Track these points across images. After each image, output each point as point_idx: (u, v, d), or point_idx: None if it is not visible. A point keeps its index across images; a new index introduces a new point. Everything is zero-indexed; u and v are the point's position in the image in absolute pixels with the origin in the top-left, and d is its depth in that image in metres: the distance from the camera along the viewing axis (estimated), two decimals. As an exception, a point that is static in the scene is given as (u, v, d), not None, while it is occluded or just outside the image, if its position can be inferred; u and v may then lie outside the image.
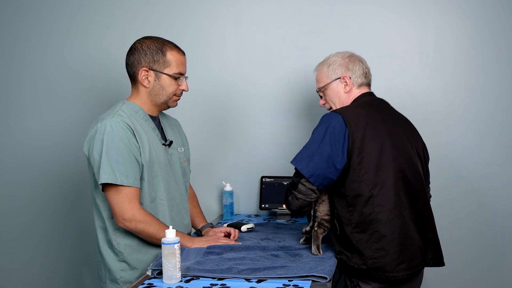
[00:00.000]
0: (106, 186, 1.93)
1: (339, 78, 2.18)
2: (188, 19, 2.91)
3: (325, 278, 1.73)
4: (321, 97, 2.28)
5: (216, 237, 2.12)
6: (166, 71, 2.05)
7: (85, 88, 2.99)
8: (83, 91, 3.00)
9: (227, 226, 2.41)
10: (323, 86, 2.22)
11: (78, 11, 2.97)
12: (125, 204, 1.91)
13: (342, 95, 2.19)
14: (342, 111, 2.04)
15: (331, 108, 2.23)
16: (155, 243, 1.98)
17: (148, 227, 1.94)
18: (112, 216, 1.99)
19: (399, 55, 2.79)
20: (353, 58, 2.21)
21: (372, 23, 2.78)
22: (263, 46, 2.87)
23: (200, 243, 2.03)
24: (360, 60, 2.22)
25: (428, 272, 2.75)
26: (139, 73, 2.05)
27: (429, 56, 2.78)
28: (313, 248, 2.00)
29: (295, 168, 2.01)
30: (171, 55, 2.05)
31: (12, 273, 3.08)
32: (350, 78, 2.17)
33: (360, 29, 2.78)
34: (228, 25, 2.90)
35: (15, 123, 3.05)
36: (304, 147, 2.03)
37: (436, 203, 2.67)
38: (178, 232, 1.85)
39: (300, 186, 1.99)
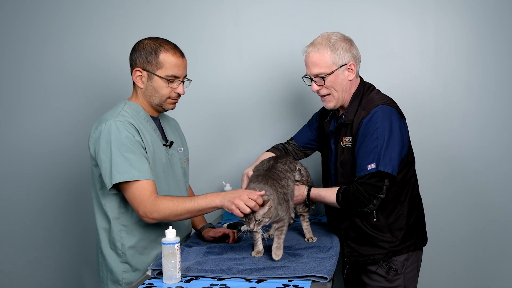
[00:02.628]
0: (120, 185, 1.91)
1: (345, 64, 2.12)
2: (188, 19, 2.91)
3: (325, 278, 1.73)
4: (312, 81, 2.14)
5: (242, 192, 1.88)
6: (158, 72, 2.02)
7: (85, 88, 2.99)
8: (83, 91, 2.99)
9: (227, 226, 2.41)
10: (329, 73, 2.10)
11: (78, 12, 2.97)
12: (136, 199, 1.88)
13: (346, 83, 2.14)
14: (389, 103, 2.11)
15: (329, 94, 2.15)
16: (189, 217, 1.95)
17: (163, 211, 1.87)
18: (118, 216, 1.99)
19: (399, 55, 2.79)
20: (353, 43, 2.17)
21: (372, 23, 2.78)
22: (263, 46, 2.87)
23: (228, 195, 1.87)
24: (355, 44, 2.20)
25: (427, 271, 2.75)
26: (133, 73, 2.04)
27: (429, 56, 2.78)
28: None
29: (373, 172, 2.01)
30: (165, 57, 2.01)
31: (13, 273, 3.08)
32: (355, 65, 2.14)
33: (360, 29, 2.78)
34: (228, 26, 2.90)
35: (15, 124, 3.05)
36: (381, 149, 2.01)
37: (435, 201, 2.69)
38: (201, 197, 1.87)
39: (384, 188, 2.05)
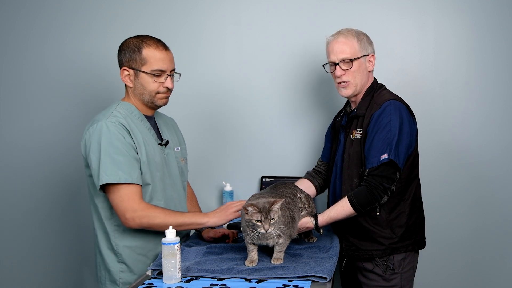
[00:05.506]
0: (106, 187, 1.92)
1: (367, 55, 2.22)
2: (188, 19, 2.91)
3: (325, 278, 1.73)
4: (337, 65, 2.19)
5: (228, 212, 2.00)
6: (143, 69, 2.01)
7: (84, 87, 2.99)
8: (82, 90, 2.99)
9: (227, 226, 2.41)
10: (356, 58, 2.18)
11: (78, 11, 2.97)
12: (124, 203, 1.90)
13: (366, 73, 2.24)
14: (400, 100, 2.17)
15: (347, 82, 2.20)
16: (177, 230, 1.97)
17: (153, 219, 1.91)
18: (111, 216, 1.99)
19: (399, 55, 2.79)
20: (371, 39, 2.28)
21: (372, 23, 2.77)
22: (263, 46, 2.87)
23: (214, 219, 1.98)
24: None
25: (425, 272, 2.76)
26: (121, 72, 2.05)
27: (429, 56, 2.78)
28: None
29: (385, 162, 2.04)
30: (148, 52, 2.00)
31: (10, 272, 3.07)
32: (374, 58, 2.25)
33: (360, 29, 2.77)
34: (228, 25, 2.89)
35: (15, 121, 3.04)
36: (393, 140, 2.06)
37: (435, 201, 2.69)
38: (190, 213, 1.96)
39: (396, 180, 2.09)
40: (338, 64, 2.20)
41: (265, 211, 1.76)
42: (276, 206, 1.78)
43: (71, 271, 3.07)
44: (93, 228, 2.08)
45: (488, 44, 2.73)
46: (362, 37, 2.23)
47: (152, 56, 2.01)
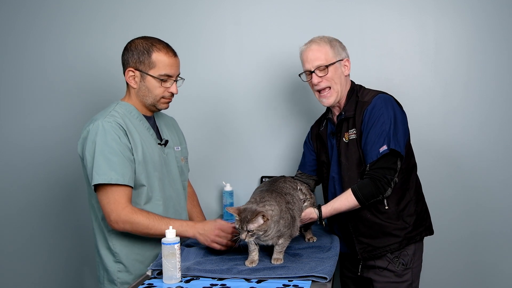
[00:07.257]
0: (97, 187, 1.91)
1: (342, 60, 2.23)
2: (188, 19, 2.91)
3: (325, 278, 1.73)
4: (313, 73, 2.19)
5: (210, 240, 1.96)
6: (151, 72, 2.01)
7: (84, 86, 2.99)
8: (82, 89, 2.99)
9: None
10: (331, 64, 2.18)
11: (78, 11, 2.97)
12: (110, 205, 1.89)
13: (343, 77, 2.24)
14: (387, 93, 2.21)
15: (329, 88, 2.20)
16: (156, 238, 1.95)
17: (136, 226, 1.89)
18: None
19: (399, 55, 2.79)
20: (344, 45, 2.29)
21: (372, 23, 2.78)
22: (263, 46, 2.87)
23: (200, 238, 1.96)
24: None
25: (427, 271, 2.76)
26: (126, 73, 2.04)
27: (429, 56, 2.78)
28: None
29: (385, 153, 2.05)
30: (158, 56, 2.00)
31: (9, 272, 3.07)
32: (349, 62, 2.26)
33: (360, 29, 2.78)
34: (228, 25, 2.90)
35: (15, 121, 3.05)
36: (389, 131, 2.08)
37: (434, 201, 2.69)
38: (178, 223, 1.92)
39: (398, 169, 2.10)
40: (314, 72, 2.20)
41: (244, 222, 1.76)
42: (259, 220, 1.76)
43: (71, 270, 3.07)
44: (92, 227, 2.08)
45: (488, 44, 2.73)
46: (334, 43, 2.23)
47: (161, 60, 2.00)
